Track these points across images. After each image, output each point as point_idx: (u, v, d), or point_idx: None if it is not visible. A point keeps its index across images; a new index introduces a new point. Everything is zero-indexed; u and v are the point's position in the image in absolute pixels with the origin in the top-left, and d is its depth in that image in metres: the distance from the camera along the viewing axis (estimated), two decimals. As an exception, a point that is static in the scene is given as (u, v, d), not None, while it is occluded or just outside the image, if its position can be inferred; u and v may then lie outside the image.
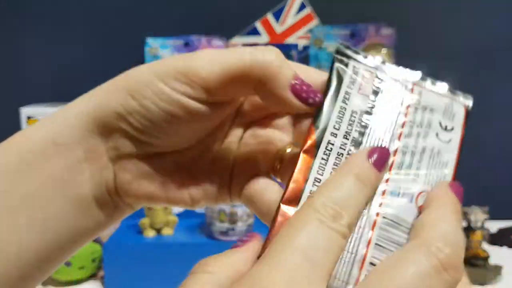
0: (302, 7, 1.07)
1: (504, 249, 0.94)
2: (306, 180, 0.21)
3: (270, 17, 1.08)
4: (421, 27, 1.07)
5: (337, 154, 0.22)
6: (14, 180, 0.23)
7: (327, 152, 0.22)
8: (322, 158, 0.22)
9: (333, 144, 0.22)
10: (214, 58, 0.22)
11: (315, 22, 1.07)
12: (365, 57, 0.24)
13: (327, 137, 0.22)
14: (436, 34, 1.07)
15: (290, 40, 1.08)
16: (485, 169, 1.10)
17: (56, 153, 0.23)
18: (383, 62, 0.24)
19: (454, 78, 1.13)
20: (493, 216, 0.99)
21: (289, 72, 0.22)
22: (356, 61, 0.24)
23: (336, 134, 0.22)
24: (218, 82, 0.22)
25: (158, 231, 0.85)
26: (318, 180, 0.21)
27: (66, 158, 0.23)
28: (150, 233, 0.84)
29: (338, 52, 0.24)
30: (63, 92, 1.11)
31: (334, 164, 0.21)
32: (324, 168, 0.21)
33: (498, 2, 1.05)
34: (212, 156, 0.26)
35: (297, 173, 0.21)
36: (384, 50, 1.04)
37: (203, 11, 1.08)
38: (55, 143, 0.23)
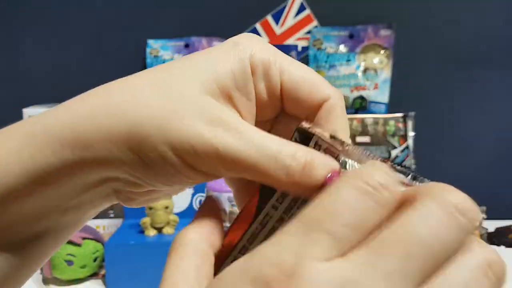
0: (301, 8, 1.07)
1: (502, 248, 0.95)
2: (239, 240, 0.21)
3: (269, 18, 1.08)
4: (420, 28, 1.07)
5: (271, 228, 0.21)
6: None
7: (264, 222, 0.21)
8: (256, 228, 0.21)
9: (270, 217, 0.21)
10: (237, 156, 0.20)
11: (314, 23, 1.08)
12: (332, 137, 0.22)
13: (268, 208, 0.21)
14: (435, 36, 1.08)
15: (290, 41, 1.09)
16: (483, 169, 1.11)
17: (44, 190, 0.21)
18: (346, 145, 0.21)
19: (453, 78, 1.13)
20: (491, 215, 0.99)
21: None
22: (320, 139, 0.21)
23: (277, 208, 0.21)
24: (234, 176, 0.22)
25: (159, 230, 0.86)
26: (246, 248, 0.21)
27: (57, 194, 0.22)
28: (151, 233, 0.85)
29: (299, 130, 0.22)
30: (65, 93, 1.11)
31: (265, 236, 0.21)
32: (255, 237, 0.21)
33: (497, 3, 1.05)
34: None
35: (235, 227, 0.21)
36: (382, 52, 1.04)
37: (203, 13, 1.09)
38: (40, 182, 0.21)
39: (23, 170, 0.20)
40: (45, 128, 0.21)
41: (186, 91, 0.20)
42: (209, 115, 0.20)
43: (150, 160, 0.20)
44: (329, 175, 0.20)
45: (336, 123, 0.22)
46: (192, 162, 0.20)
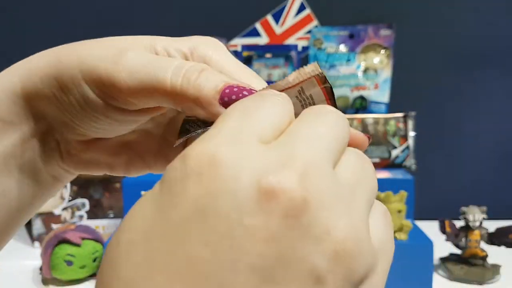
0: (301, 8, 1.07)
1: (503, 248, 0.94)
2: None
3: (270, 18, 1.08)
4: (420, 28, 1.07)
5: None
6: None
7: None
8: None
9: None
10: (139, 71, 0.21)
11: (314, 23, 1.08)
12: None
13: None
14: (436, 35, 1.07)
15: (290, 41, 1.09)
16: (483, 169, 1.11)
17: (3, 131, 0.23)
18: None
19: (454, 78, 1.12)
20: (492, 215, 0.99)
21: (216, 85, 0.20)
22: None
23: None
24: (141, 100, 0.22)
25: (159, 230, 0.86)
26: None
27: (15, 135, 0.24)
28: (151, 233, 0.84)
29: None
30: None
31: None
32: None
33: (497, 3, 1.05)
34: (158, 138, 0.27)
35: None
36: (383, 51, 1.04)
37: (203, 12, 1.08)
38: (1, 120, 0.23)
39: None
40: (10, 73, 0.24)
41: (117, 45, 0.23)
42: (122, 53, 0.22)
43: (69, 90, 0.22)
44: (223, 86, 0.20)
45: (218, 65, 0.23)
46: (102, 93, 0.22)
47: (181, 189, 0.14)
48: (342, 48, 1.05)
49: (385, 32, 1.04)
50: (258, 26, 1.08)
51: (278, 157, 0.15)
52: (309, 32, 1.08)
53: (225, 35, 1.08)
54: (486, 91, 1.09)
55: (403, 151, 0.98)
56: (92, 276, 0.85)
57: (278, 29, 1.08)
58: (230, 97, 0.20)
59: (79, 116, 0.23)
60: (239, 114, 0.17)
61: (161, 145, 0.27)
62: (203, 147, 0.15)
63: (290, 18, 1.08)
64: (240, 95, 0.20)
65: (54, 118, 0.24)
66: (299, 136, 0.16)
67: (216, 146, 0.15)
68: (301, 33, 1.08)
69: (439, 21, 1.07)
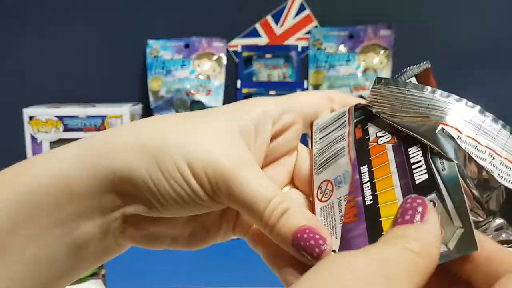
0: (301, 8, 1.07)
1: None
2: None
3: (269, 18, 1.08)
4: (420, 28, 1.07)
5: None
6: (19, 220, 0.22)
7: None
8: None
9: None
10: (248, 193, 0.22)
11: (314, 23, 1.08)
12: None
13: None
14: (435, 36, 1.08)
15: (290, 41, 1.09)
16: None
17: (70, 202, 0.23)
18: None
19: (453, 78, 1.13)
20: (491, 215, 0.99)
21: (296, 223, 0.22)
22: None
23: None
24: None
25: (159, 230, 0.86)
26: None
27: (79, 208, 0.23)
28: (151, 233, 0.85)
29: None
30: (64, 93, 1.11)
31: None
32: None
33: (497, 3, 1.06)
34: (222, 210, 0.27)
35: None
36: (382, 52, 1.04)
37: (203, 13, 1.09)
38: (70, 191, 0.23)
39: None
40: (91, 151, 0.23)
41: (210, 128, 0.24)
42: (224, 148, 0.23)
43: (166, 170, 0.22)
44: (299, 230, 0.21)
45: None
46: (200, 181, 0.22)
47: None
48: (342, 48, 1.05)
49: (384, 32, 1.04)
50: (258, 26, 1.08)
51: None
52: (308, 32, 1.08)
53: (225, 36, 1.08)
54: (486, 91, 1.09)
55: (402, 151, 0.98)
56: (92, 276, 0.85)
57: (278, 30, 1.08)
58: (300, 242, 0.21)
59: (169, 195, 0.23)
60: None
61: (224, 213, 0.27)
62: None
63: (290, 18, 1.08)
64: (308, 243, 0.21)
65: (136, 200, 0.24)
66: None
67: None
68: (301, 33, 1.08)
69: (438, 22, 1.07)
